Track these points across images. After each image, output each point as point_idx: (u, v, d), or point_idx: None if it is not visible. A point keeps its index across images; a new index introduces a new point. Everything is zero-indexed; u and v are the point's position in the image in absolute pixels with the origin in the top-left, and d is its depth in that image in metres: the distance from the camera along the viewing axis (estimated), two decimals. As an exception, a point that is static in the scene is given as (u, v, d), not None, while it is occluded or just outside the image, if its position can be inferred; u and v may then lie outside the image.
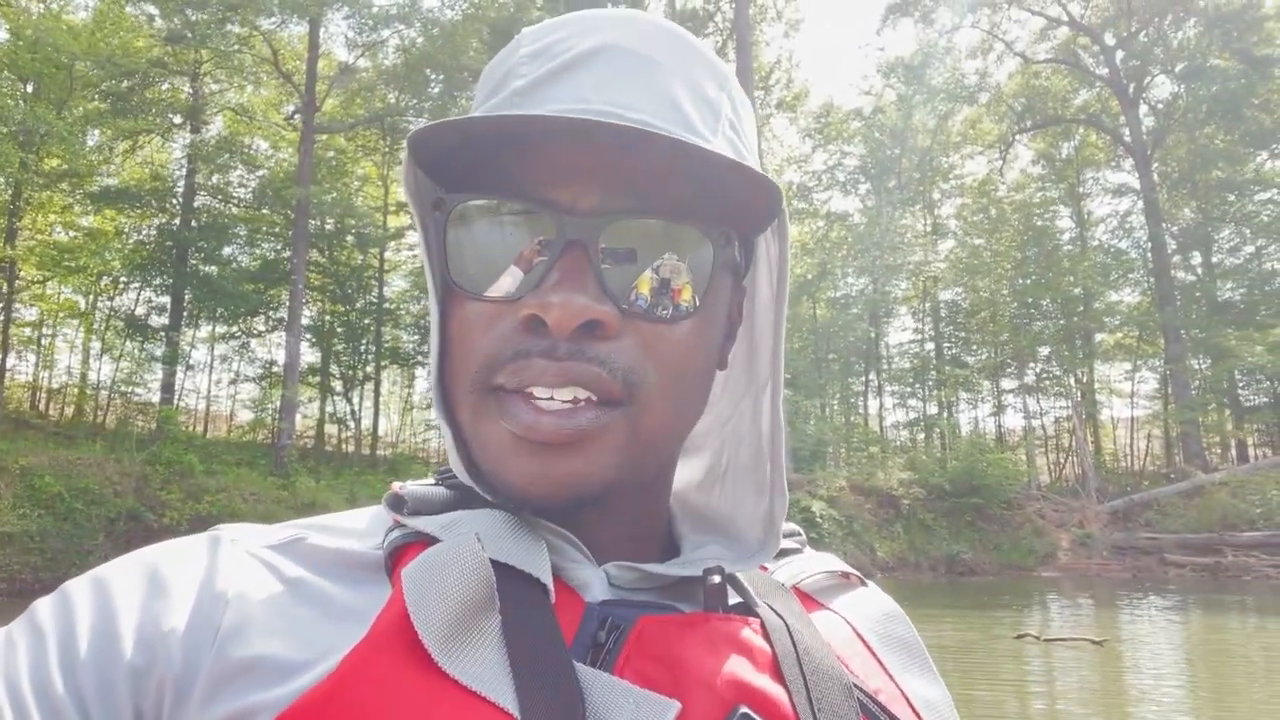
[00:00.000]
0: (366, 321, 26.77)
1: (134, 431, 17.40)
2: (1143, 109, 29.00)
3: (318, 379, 25.88)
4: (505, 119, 0.48)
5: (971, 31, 31.13)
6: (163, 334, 22.50)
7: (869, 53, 69.67)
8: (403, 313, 27.67)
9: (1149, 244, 28.07)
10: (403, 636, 0.43)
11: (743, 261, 0.58)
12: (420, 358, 27.73)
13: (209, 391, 27.77)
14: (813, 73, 73.33)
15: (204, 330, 26.15)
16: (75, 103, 18.31)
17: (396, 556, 0.49)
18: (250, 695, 0.43)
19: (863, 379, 33.49)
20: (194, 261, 22.78)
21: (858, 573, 0.63)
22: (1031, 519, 21.22)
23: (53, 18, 17.63)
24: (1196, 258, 29.54)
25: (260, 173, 23.90)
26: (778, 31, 29.03)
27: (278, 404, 21.53)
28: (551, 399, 0.48)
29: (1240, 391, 28.34)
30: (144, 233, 23.24)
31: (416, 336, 27.48)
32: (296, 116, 22.54)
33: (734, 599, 0.53)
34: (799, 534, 0.65)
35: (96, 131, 20.11)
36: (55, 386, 23.77)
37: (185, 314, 23.62)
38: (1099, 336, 30.67)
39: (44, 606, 0.47)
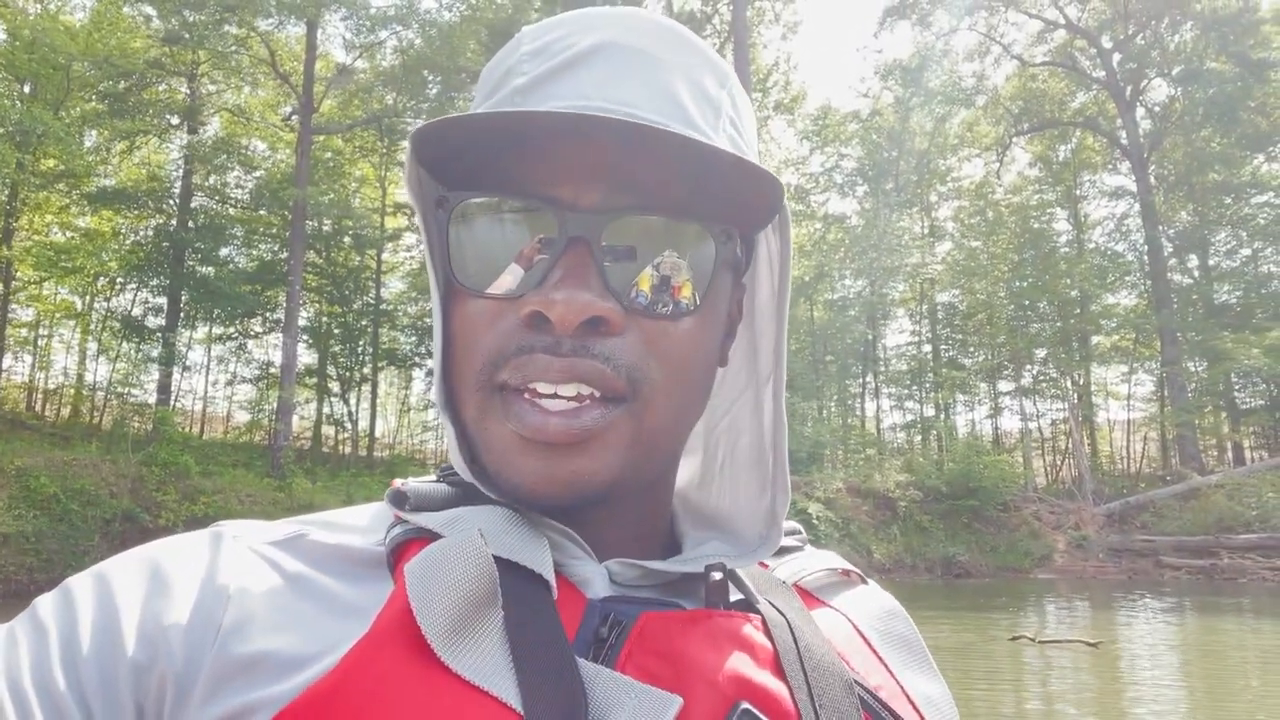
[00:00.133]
0: (364, 323, 26.72)
1: (130, 432, 17.33)
2: (1139, 112, 29.07)
3: (314, 380, 25.85)
4: (507, 115, 0.48)
5: (969, 34, 31.24)
6: (159, 335, 22.43)
7: (866, 55, 69.64)
8: (400, 314, 27.61)
9: (1145, 247, 28.13)
10: (405, 631, 0.43)
11: (743, 258, 0.59)
12: (417, 359, 27.68)
13: (205, 393, 27.75)
14: (810, 75, 73.47)
15: (201, 331, 26.18)
16: (72, 103, 18.33)
17: (399, 552, 0.49)
18: (252, 691, 0.43)
19: (860, 381, 33.46)
20: (191, 262, 22.73)
21: (858, 570, 0.63)
22: (1028, 521, 21.24)
23: (50, 18, 17.64)
24: (1193, 260, 29.61)
25: (257, 174, 23.90)
26: (775, 34, 29.03)
27: (274, 405, 21.52)
28: (555, 395, 0.48)
29: (1236, 394, 28.38)
30: (141, 233, 23.21)
31: (414, 338, 27.40)
32: (294, 117, 22.54)
33: (735, 596, 0.53)
34: (800, 532, 0.65)
35: (93, 132, 20.12)
36: (51, 387, 23.80)
37: (182, 315, 23.56)
38: (1095, 339, 30.72)
39: (46, 603, 0.47)
